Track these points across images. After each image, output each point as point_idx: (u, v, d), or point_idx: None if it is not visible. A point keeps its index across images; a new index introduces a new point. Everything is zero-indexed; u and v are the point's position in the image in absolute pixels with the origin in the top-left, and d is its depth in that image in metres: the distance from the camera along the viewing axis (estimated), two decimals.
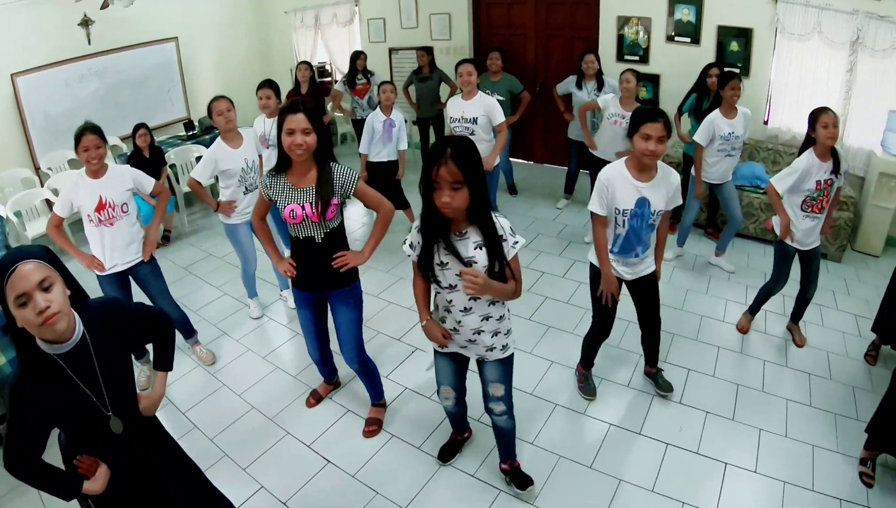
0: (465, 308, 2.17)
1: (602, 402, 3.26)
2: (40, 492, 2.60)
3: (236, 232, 3.78)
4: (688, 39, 5.66)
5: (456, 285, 2.09)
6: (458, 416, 2.74)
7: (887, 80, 4.86)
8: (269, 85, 4.23)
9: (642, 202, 2.69)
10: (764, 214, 5.06)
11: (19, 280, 1.45)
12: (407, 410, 3.19)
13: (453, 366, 2.46)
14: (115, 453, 1.76)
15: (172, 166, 5.71)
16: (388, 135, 4.70)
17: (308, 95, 5.80)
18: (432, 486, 2.71)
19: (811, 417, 3.16)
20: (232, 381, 3.45)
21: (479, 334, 2.23)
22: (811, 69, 5.16)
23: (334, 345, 3.03)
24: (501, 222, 2.05)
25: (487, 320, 2.21)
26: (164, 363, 2.05)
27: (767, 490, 2.71)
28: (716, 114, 4.25)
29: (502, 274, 2.06)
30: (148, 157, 5.09)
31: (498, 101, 5.22)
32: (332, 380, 3.28)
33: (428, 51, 6.28)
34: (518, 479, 2.67)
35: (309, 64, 6.07)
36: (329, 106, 6.23)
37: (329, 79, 7.80)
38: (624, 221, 2.75)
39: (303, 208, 2.44)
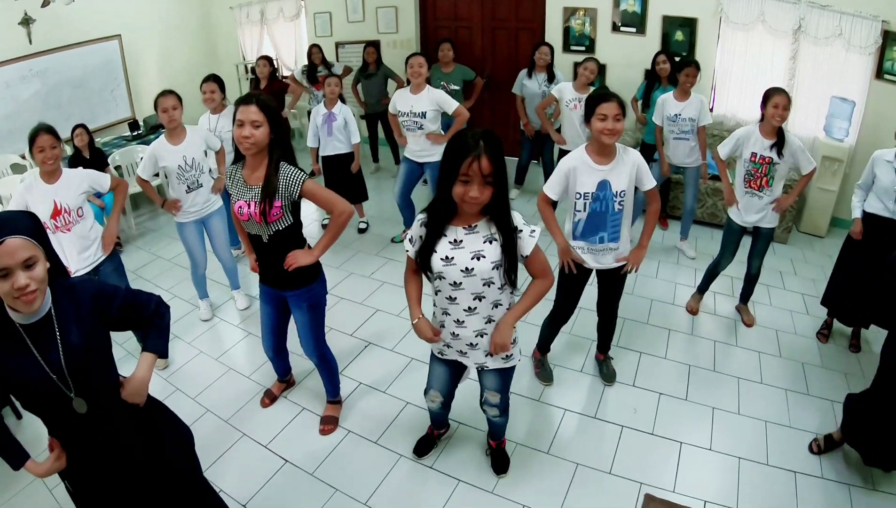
0: (469, 308, 2.10)
1: (557, 388, 3.28)
2: (50, 490, 2.55)
3: (182, 231, 3.70)
4: (633, 29, 5.75)
5: (461, 283, 2.03)
6: (441, 415, 2.73)
7: (829, 67, 5.03)
8: (214, 79, 4.14)
9: (603, 185, 2.70)
10: (711, 199, 5.19)
11: (5, 255, 1.43)
12: (362, 405, 3.16)
13: (448, 373, 2.41)
14: (83, 435, 1.70)
15: (118, 168, 5.53)
16: (328, 128, 4.65)
17: (266, 91, 5.70)
18: (392, 480, 2.69)
19: (763, 394, 3.25)
20: (186, 385, 3.36)
21: (481, 337, 2.18)
22: (755, 57, 5.32)
23: (290, 343, 2.99)
24: (515, 215, 2.00)
25: (490, 322, 2.16)
26: (154, 344, 1.87)
27: (723, 467, 2.78)
28: (668, 95, 4.37)
29: (513, 267, 2.02)
30: (88, 158, 4.90)
31: (453, 90, 5.28)
32: (285, 378, 3.22)
33: (375, 47, 6.24)
34: (497, 459, 2.71)
35: (269, 59, 5.94)
36: (288, 101, 6.13)
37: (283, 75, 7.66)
38: (585, 204, 2.74)
39: (248, 205, 2.37)
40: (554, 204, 2.87)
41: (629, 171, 2.70)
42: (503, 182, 1.87)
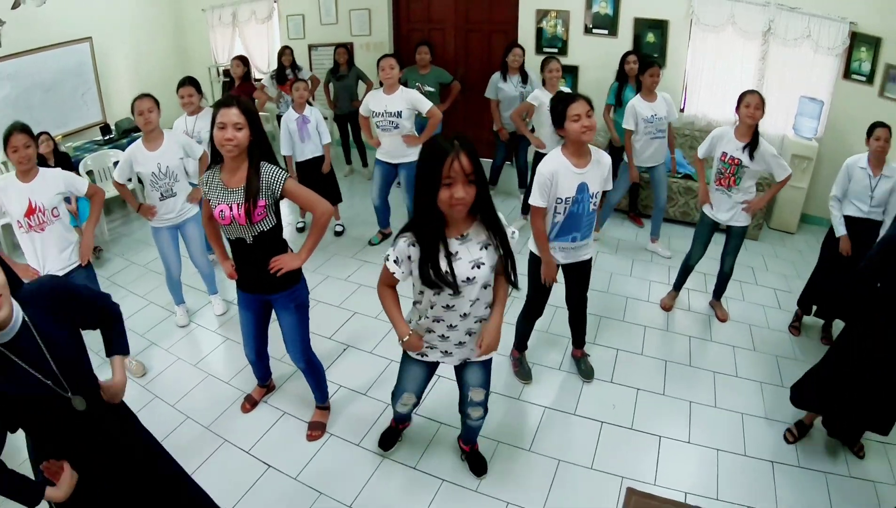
0: (464, 314, 2.12)
1: (535, 386, 3.32)
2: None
3: (157, 236, 3.67)
4: (605, 31, 5.83)
5: (461, 293, 2.04)
6: (407, 413, 2.73)
7: (798, 67, 5.17)
8: (191, 82, 4.10)
9: (583, 188, 2.74)
10: (683, 197, 5.28)
11: None
12: (344, 408, 3.15)
13: (424, 374, 2.42)
14: (84, 435, 1.70)
15: (90, 172, 5.43)
16: (303, 132, 4.62)
17: (239, 91, 5.65)
18: (376, 481, 2.69)
19: (738, 387, 3.33)
20: (164, 392, 3.32)
21: (470, 335, 2.21)
22: (725, 58, 5.43)
23: (271, 348, 2.98)
24: (499, 215, 2.01)
25: (481, 321, 2.19)
26: (118, 346, 1.96)
27: (702, 459, 2.84)
28: (637, 99, 4.41)
29: (513, 266, 2.04)
30: (53, 165, 4.79)
31: (428, 92, 5.27)
32: (265, 383, 3.20)
33: (347, 48, 6.22)
34: (474, 461, 2.72)
35: (243, 59, 5.88)
36: (255, 103, 6.07)
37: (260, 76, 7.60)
38: (565, 208, 2.78)
39: (230, 208, 2.35)
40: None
41: (602, 172, 2.78)
42: (484, 181, 1.87)
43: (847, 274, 3.22)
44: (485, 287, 2.07)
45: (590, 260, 3.05)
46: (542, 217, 2.83)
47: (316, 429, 2.96)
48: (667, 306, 4.05)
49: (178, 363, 3.56)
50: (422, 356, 2.33)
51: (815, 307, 3.84)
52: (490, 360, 2.38)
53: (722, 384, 3.35)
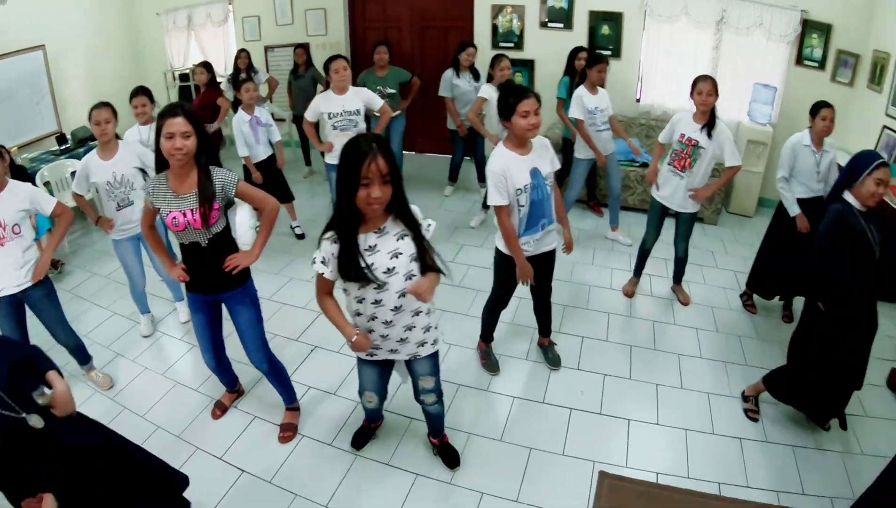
0: (396, 307, 2.16)
1: (503, 377, 3.37)
2: None
3: (118, 248, 3.61)
4: (560, 25, 5.92)
5: (385, 285, 2.08)
6: (376, 411, 2.78)
7: (751, 55, 5.31)
8: (144, 92, 4.03)
9: (535, 173, 2.77)
10: (641, 186, 5.39)
11: None
12: (314, 408, 3.16)
13: (379, 372, 2.48)
14: (49, 455, 1.71)
15: (47, 183, 5.30)
16: (257, 133, 4.60)
17: (204, 99, 5.59)
18: (350, 479, 2.71)
19: (703, 367, 3.42)
20: (133, 403, 3.27)
21: (410, 330, 2.25)
22: (679, 48, 5.55)
23: (232, 352, 2.97)
24: (414, 208, 2.10)
25: (418, 314, 2.23)
26: (49, 364, 2.02)
27: (671, 439, 2.91)
28: (581, 89, 4.47)
29: (429, 255, 2.10)
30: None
31: (389, 94, 5.27)
32: (234, 388, 3.19)
33: (305, 49, 6.19)
34: (446, 454, 2.75)
35: (206, 66, 5.78)
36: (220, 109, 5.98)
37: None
38: (526, 198, 2.79)
39: (184, 215, 2.37)
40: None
41: (548, 154, 2.83)
42: (399, 180, 1.97)
43: (804, 252, 3.33)
44: (409, 278, 2.11)
45: (554, 250, 3.09)
46: (508, 215, 2.82)
47: (287, 430, 2.97)
48: (629, 293, 4.13)
49: (145, 374, 3.52)
50: (371, 356, 2.38)
51: (777, 296, 3.96)
52: (436, 353, 2.44)
53: (687, 365, 3.43)
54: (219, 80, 6.79)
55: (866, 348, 2.73)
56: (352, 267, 2.02)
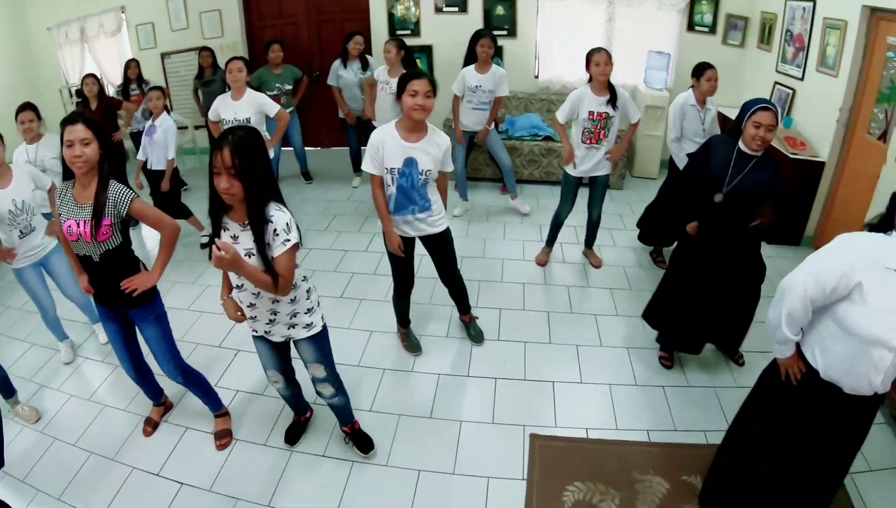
0: (255, 293, 2.23)
1: (427, 356, 3.45)
2: None
3: (22, 277, 3.45)
4: (456, 9, 6.02)
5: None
6: (293, 397, 2.81)
7: (644, 25, 5.60)
8: (30, 107, 3.87)
9: (409, 162, 2.84)
10: (546, 158, 5.59)
11: None
12: (244, 411, 3.17)
13: (269, 347, 2.51)
14: None
15: None
16: (149, 140, 4.52)
17: (98, 112, 5.37)
18: (288, 476, 2.75)
19: (620, 324, 3.62)
20: (63, 433, 3.19)
21: (275, 314, 2.32)
22: (574, 24, 5.76)
23: (152, 365, 2.94)
24: (278, 218, 2.05)
25: (278, 302, 2.28)
26: None
27: (596, 395, 3.08)
28: (469, 68, 4.58)
29: (263, 254, 2.07)
30: None
31: (286, 91, 5.33)
32: (160, 401, 3.15)
33: (210, 51, 6.01)
34: (359, 440, 2.81)
35: (95, 77, 5.54)
36: (121, 122, 5.76)
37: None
38: (393, 179, 2.88)
39: (78, 225, 2.37)
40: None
41: (436, 152, 2.87)
42: (252, 180, 1.96)
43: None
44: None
45: (444, 232, 3.13)
46: (379, 186, 2.93)
47: (223, 437, 2.97)
48: (542, 262, 4.30)
49: (71, 401, 3.43)
50: (254, 331, 2.45)
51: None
52: (318, 335, 2.45)
53: (604, 324, 3.63)
54: (111, 91, 6.55)
55: (724, 286, 2.91)
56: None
